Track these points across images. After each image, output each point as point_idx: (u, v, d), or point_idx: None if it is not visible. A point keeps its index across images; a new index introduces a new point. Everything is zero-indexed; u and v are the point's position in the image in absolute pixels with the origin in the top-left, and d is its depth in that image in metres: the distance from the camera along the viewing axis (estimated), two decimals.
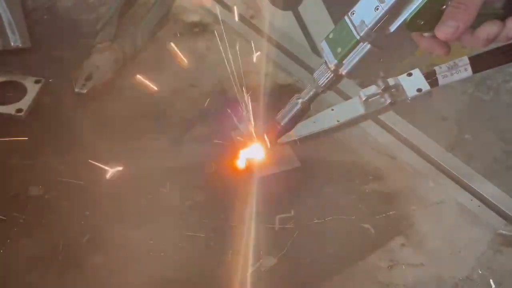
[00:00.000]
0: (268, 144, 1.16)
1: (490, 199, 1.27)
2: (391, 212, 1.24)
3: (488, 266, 1.17)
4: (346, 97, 1.42)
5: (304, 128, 1.15)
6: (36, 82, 1.41)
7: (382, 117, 1.39)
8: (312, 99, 1.07)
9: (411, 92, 1.09)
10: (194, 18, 1.60)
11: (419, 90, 1.08)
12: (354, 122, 1.16)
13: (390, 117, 1.39)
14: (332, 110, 1.17)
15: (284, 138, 1.15)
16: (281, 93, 1.43)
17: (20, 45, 1.50)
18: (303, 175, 1.28)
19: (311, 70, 1.50)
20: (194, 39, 1.56)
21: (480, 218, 1.24)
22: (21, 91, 1.40)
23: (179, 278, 1.14)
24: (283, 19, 1.65)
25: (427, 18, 0.91)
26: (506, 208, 1.25)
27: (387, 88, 1.07)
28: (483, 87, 2.34)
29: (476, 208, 1.26)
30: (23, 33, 1.51)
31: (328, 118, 1.17)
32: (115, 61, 1.46)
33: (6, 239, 1.17)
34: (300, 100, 1.08)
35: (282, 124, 1.10)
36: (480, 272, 1.16)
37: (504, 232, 1.22)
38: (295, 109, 1.09)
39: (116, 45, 1.48)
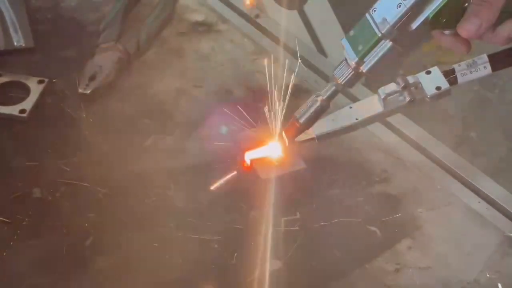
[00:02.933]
0: (287, 142, 1.15)
1: (498, 201, 1.26)
2: (397, 215, 1.23)
3: (496, 270, 1.16)
4: (353, 99, 1.40)
5: (323, 126, 1.14)
6: (40, 82, 1.40)
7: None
8: (331, 96, 1.06)
9: (430, 90, 1.07)
10: (199, 17, 1.59)
11: (438, 88, 1.07)
12: (372, 120, 1.14)
13: (396, 117, 1.37)
14: (351, 108, 1.16)
15: (302, 136, 1.14)
16: (286, 93, 1.42)
17: (23, 45, 1.49)
18: (309, 177, 1.27)
19: (316, 70, 1.49)
20: (198, 38, 1.54)
21: (488, 220, 1.23)
22: (24, 91, 1.39)
23: (183, 282, 1.13)
24: (288, 19, 1.64)
25: (450, 16, 0.91)
26: None
27: (406, 86, 1.06)
28: (488, 85, 2.33)
29: (484, 210, 1.25)
30: (26, 33, 1.50)
31: (347, 116, 1.15)
32: (119, 61, 1.45)
33: (9, 241, 1.17)
34: (319, 98, 1.07)
35: (301, 121, 1.09)
36: (488, 275, 1.15)
37: None
38: (314, 107, 1.08)
39: (120, 45, 1.47)
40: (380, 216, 1.22)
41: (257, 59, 1.48)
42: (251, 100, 1.40)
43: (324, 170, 1.29)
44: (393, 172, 1.30)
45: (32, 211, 1.20)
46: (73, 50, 1.49)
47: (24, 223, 1.19)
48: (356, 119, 1.14)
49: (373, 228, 1.21)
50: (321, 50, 1.74)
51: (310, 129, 1.12)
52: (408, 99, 1.08)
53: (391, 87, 1.09)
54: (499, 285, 1.14)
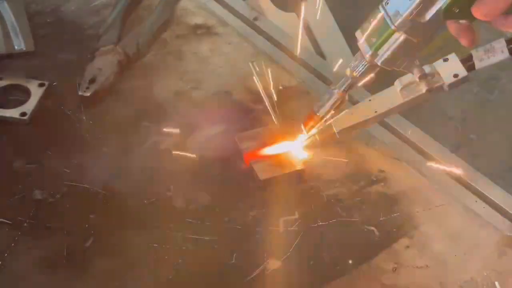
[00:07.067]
0: (306, 133, 1.16)
1: (495, 200, 1.26)
2: (395, 214, 1.24)
3: (493, 268, 1.17)
4: (353, 101, 1.41)
5: (342, 120, 1.14)
6: (40, 85, 1.41)
7: (386, 118, 1.38)
8: (348, 89, 1.07)
9: (448, 78, 1.07)
10: (198, 20, 1.60)
11: (455, 75, 1.06)
12: (391, 112, 1.14)
13: (394, 118, 1.38)
14: (370, 100, 1.16)
15: (323, 132, 1.15)
16: (285, 95, 1.43)
17: (24, 49, 1.50)
18: (307, 178, 1.28)
19: (314, 72, 1.50)
20: (197, 41, 1.55)
21: (485, 219, 1.24)
22: (25, 94, 1.40)
23: (182, 282, 1.14)
24: (286, 21, 1.65)
25: (463, 6, 0.91)
26: None
27: (423, 76, 1.05)
28: (488, 87, 2.33)
29: (481, 209, 1.25)
30: (27, 37, 1.51)
31: (366, 109, 1.15)
32: (119, 64, 1.46)
33: (10, 242, 1.17)
34: (336, 90, 1.08)
35: (319, 114, 1.10)
36: (485, 274, 1.16)
37: (509, 234, 1.21)
38: (332, 100, 1.09)
39: (120, 48, 1.48)
40: (378, 215, 1.23)
41: (255, 61, 1.48)
42: (249, 101, 1.41)
43: (322, 171, 1.30)
44: (391, 172, 1.31)
45: (33, 213, 1.21)
46: (73, 54, 1.50)
47: (25, 224, 1.20)
48: (375, 111, 1.14)
49: (370, 228, 1.21)
50: (320, 52, 1.75)
51: (330, 124, 1.13)
52: (426, 88, 1.06)
53: (408, 77, 1.08)
54: (496, 283, 1.14)
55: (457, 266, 1.17)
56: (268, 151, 1.30)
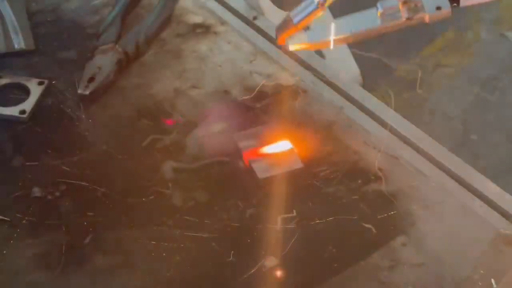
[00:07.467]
0: (277, 41, 1.12)
1: (492, 199, 1.26)
2: (392, 212, 1.24)
3: (489, 266, 1.17)
4: (348, 98, 1.42)
5: (317, 34, 1.10)
6: (40, 83, 1.42)
7: (384, 117, 1.39)
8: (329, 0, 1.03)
9: (430, 9, 1.03)
10: (197, 19, 1.61)
11: (438, 8, 1.03)
12: (367, 34, 1.10)
13: (393, 117, 1.39)
14: (347, 19, 1.12)
15: (294, 42, 1.11)
16: (284, 94, 1.43)
17: (24, 47, 1.50)
18: (305, 176, 1.28)
19: (313, 71, 1.51)
20: (196, 40, 1.56)
21: (482, 217, 1.24)
22: (25, 92, 1.40)
23: (181, 279, 1.14)
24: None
25: None
26: (509, 208, 1.25)
27: (406, 2, 1.02)
28: (489, 87, 2.34)
29: (478, 208, 1.26)
30: (27, 35, 1.52)
31: (342, 27, 1.11)
32: (118, 62, 1.46)
33: (9, 239, 1.18)
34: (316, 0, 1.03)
35: (294, 21, 1.06)
36: (481, 272, 1.16)
37: (506, 231, 1.22)
38: (310, 8, 1.05)
39: (119, 46, 1.48)
40: (375, 213, 1.23)
41: (254, 60, 1.49)
42: (248, 100, 1.42)
43: (320, 169, 1.30)
44: (389, 170, 1.31)
45: (32, 210, 1.22)
46: (73, 52, 1.50)
47: (24, 221, 1.20)
48: (351, 31, 1.10)
49: (368, 226, 1.22)
50: (319, 51, 1.75)
51: (304, 37, 1.09)
52: (406, 16, 1.03)
53: (391, 1, 1.05)
54: (492, 281, 1.15)
55: (454, 264, 1.17)
56: (267, 150, 1.31)
